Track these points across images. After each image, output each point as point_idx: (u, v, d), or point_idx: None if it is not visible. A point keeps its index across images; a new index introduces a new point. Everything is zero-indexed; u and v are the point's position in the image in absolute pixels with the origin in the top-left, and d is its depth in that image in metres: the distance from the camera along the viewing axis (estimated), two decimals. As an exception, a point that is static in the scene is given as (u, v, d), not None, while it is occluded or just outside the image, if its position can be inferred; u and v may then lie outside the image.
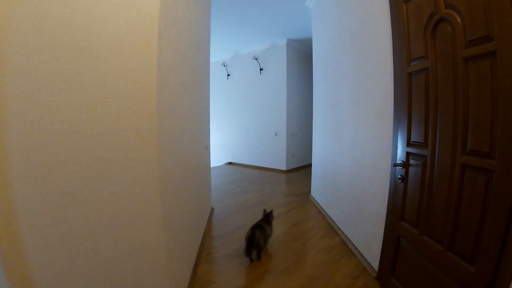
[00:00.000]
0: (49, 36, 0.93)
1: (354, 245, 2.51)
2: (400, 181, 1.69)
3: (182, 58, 1.78)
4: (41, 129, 0.94)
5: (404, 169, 1.67)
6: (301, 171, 6.53)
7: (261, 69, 6.52)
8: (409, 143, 1.64)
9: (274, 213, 2.89)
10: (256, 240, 2.30)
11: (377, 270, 2.04)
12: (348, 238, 2.66)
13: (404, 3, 1.63)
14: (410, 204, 1.63)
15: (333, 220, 3.14)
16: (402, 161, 1.68)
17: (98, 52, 1.05)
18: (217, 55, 7.19)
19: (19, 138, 0.90)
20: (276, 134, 6.39)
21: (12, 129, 0.88)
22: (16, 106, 0.88)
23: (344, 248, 2.57)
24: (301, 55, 6.51)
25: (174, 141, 1.57)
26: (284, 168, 6.32)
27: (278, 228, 3.07)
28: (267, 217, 2.62)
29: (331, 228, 3.05)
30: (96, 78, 1.05)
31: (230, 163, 7.64)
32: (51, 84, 0.95)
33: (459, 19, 1.22)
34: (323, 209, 3.57)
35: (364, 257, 2.28)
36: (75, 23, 0.99)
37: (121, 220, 1.16)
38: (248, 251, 2.30)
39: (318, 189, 3.90)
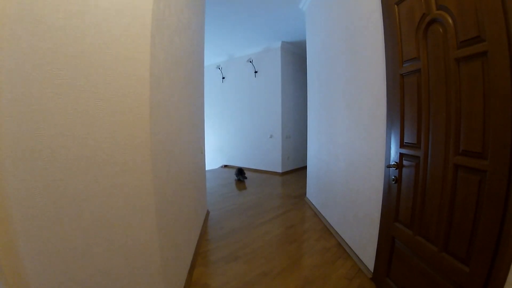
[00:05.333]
0: (42, 42, 0.94)
1: (349, 246, 2.51)
2: (393, 182, 1.70)
3: (176, 61, 1.77)
4: (35, 133, 0.94)
5: (397, 170, 1.68)
6: (296, 173, 6.53)
7: (256, 72, 6.53)
8: (402, 144, 1.65)
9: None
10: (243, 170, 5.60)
11: (372, 271, 2.04)
12: (343, 240, 2.65)
13: (396, 5, 1.64)
14: (404, 205, 1.63)
15: (328, 222, 3.14)
16: (396, 162, 1.69)
17: (91, 57, 1.05)
18: (211, 58, 7.18)
19: (13, 141, 0.90)
20: (271, 137, 6.38)
21: (6, 133, 0.88)
22: (10, 110, 0.88)
23: (340, 249, 2.57)
24: (296, 57, 6.54)
25: (168, 144, 1.56)
26: (279, 170, 6.31)
27: (273, 230, 3.06)
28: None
29: (327, 230, 3.05)
30: (89, 83, 1.05)
31: (225, 166, 7.61)
32: (44, 88, 0.95)
33: (450, 20, 1.23)
34: (318, 211, 3.56)
35: (360, 259, 2.28)
36: (68, 29, 0.99)
37: (115, 224, 1.15)
38: (241, 178, 5.56)
39: (313, 191, 3.90)
